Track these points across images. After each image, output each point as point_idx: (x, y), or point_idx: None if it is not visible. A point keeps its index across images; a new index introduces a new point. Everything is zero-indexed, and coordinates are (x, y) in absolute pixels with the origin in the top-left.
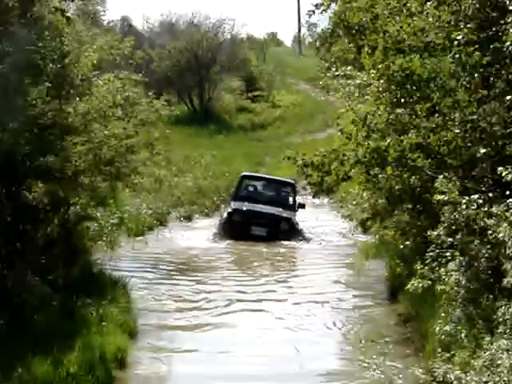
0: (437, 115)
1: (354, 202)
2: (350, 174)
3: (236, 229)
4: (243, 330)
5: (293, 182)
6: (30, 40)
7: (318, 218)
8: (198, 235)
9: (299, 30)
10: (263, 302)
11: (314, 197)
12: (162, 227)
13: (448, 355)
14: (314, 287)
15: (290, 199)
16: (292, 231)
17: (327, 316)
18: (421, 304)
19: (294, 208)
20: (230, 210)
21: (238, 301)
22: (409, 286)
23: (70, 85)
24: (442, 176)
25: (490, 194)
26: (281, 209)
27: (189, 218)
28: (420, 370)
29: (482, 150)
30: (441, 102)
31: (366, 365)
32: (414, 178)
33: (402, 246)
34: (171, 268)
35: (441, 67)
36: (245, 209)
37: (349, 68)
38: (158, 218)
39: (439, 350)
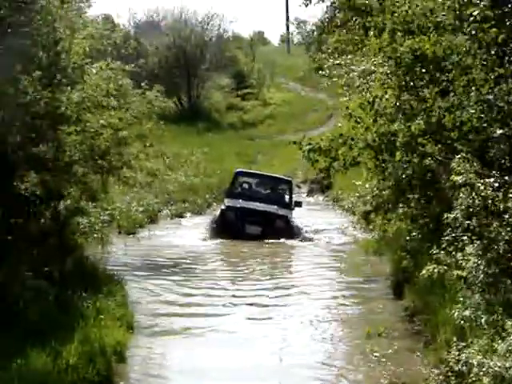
0: (452, 94)
1: (357, 194)
2: (359, 159)
3: (229, 227)
4: (239, 320)
5: (289, 178)
6: (21, 25)
7: (314, 216)
8: (190, 233)
9: (288, 29)
10: (261, 296)
11: (308, 195)
12: (153, 224)
13: (464, 344)
14: (313, 285)
15: (286, 196)
16: (288, 229)
17: (331, 312)
18: (429, 296)
19: (290, 206)
20: (222, 208)
21: (232, 295)
22: (423, 271)
23: (62, 73)
24: (458, 156)
25: (506, 178)
26: (276, 206)
27: (180, 216)
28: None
29: (499, 131)
30: (456, 80)
31: (375, 358)
32: (423, 162)
33: (408, 238)
34: (163, 265)
35: (456, 44)
36: (238, 206)
37: (349, 57)
38: (149, 215)
39: (454, 338)
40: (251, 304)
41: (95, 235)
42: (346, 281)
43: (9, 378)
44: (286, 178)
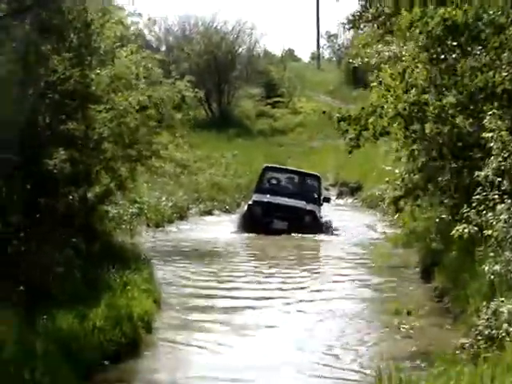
0: (484, 55)
1: (386, 179)
2: (388, 128)
3: (256, 221)
4: (262, 300)
5: (318, 174)
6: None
7: (344, 215)
8: (218, 229)
9: (318, 43)
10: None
11: (338, 197)
12: (182, 221)
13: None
14: (341, 273)
15: (315, 192)
16: (316, 225)
17: (362, 294)
18: (458, 274)
19: (318, 201)
20: (250, 202)
21: (253, 275)
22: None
23: (93, 54)
24: (490, 113)
25: None
26: (304, 202)
27: (209, 213)
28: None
29: None
30: (488, 41)
31: (403, 332)
32: (453, 132)
33: (437, 220)
34: (191, 253)
35: (490, 3)
36: (265, 201)
37: (379, 46)
38: (178, 211)
39: (484, 304)
40: (279, 288)
41: (123, 226)
42: (374, 268)
43: (34, 337)
44: (314, 174)
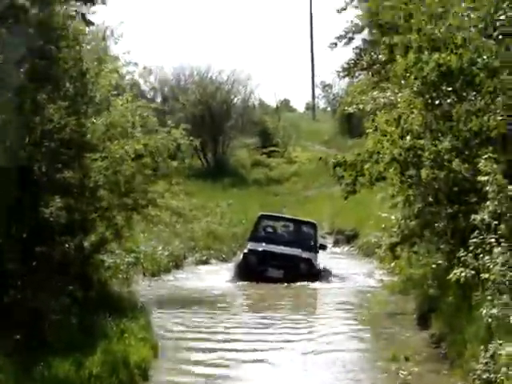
0: (479, 99)
1: (382, 226)
2: (384, 174)
3: (251, 270)
4: (258, 346)
5: (314, 221)
6: (47, 50)
7: (341, 263)
8: (214, 278)
9: (313, 93)
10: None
11: (334, 246)
12: (178, 270)
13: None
14: (338, 318)
15: (311, 240)
16: (312, 272)
17: (359, 342)
18: (455, 320)
19: (314, 249)
20: (245, 251)
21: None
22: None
23: (88, 103)
24: (485, 156)
25: None
26: (300, 249)
27: (205, 262)
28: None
29: None
30: (483, 86)
31: (401, 378)
32: (449, 177)
33: (433, 266)
34: (186, 302)
35: (484, 48)
36: (260, 249)
37: (375, 93)
38: (174, 260)
39: (481, 348)
40: (272, 333)
41: (119, 275)
42: (371, 315)
43: None
44: (310, 221)
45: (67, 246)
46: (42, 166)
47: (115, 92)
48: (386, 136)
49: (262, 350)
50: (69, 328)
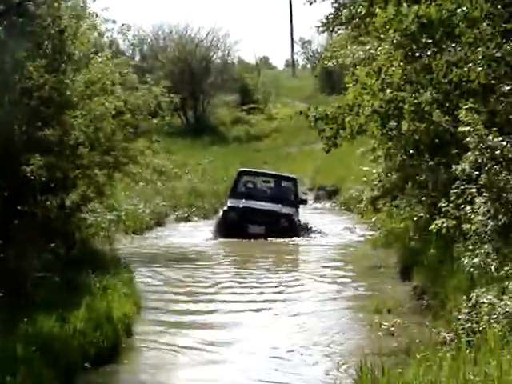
0: (459, 49)
1: (364, 179)
2: (365, 127)
3: (232, 227)
4: (239, 298)
5: (294, 176)
6: (25, 7)
7: (322, 218)
8: (195, 234)
9: (292, 49)
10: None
11: (315, 201)
12: (160, 227)
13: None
14: (320, 273)
15: (291, 195)
16: (293, 228)
17: (343, 295)
18: (437, 272)
19: (295, 204)
20: (225, 208)
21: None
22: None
23: (67, 60)
24: (466, 107)
25: None
26: (280, 205)
27: (187, 220)
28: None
29: (507, 87)
30: (462, 35)
31: (385, 329)
32: (430, 129)
33: (415, 219)
34: (168, 259)
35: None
36: (241, 206)
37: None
38: (156, 217)
39: (464, 298)
40: (253, 287)
41: (102, 233)
42: (352, 269)
43: (14, 341)
44: (290, 176)
45: (49, 204)
46: (22, 125)
47: (94, 49)
48: (366, 89)
49: (246, 302)
50: (52, 285)
